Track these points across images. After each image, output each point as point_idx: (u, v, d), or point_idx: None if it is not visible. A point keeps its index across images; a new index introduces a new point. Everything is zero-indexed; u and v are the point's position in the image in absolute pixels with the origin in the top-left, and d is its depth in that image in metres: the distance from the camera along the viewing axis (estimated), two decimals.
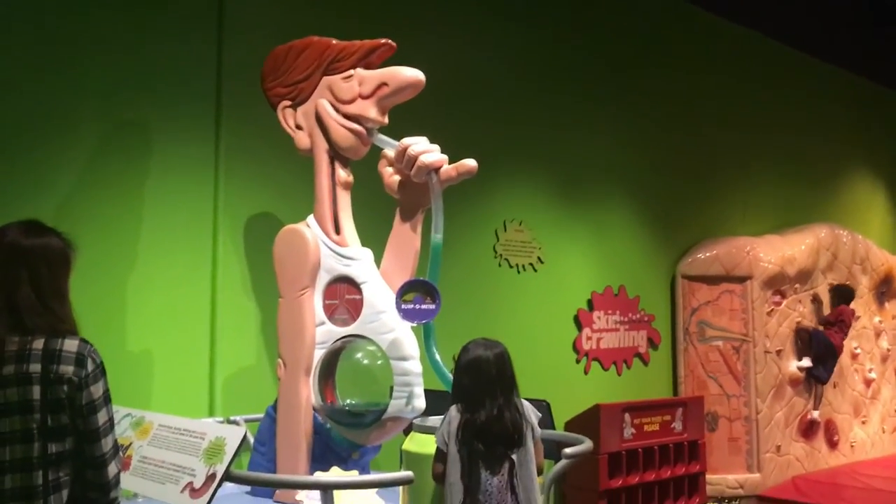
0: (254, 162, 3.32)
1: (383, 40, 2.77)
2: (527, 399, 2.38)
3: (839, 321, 5.51)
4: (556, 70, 4.64)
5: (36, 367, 1.71)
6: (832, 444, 5.61)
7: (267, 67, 2.91)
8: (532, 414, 2.34)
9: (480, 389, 2.26)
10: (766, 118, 6.03)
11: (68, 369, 1.72)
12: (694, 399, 4.82)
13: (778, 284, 5.26)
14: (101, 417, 1.75)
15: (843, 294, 5.62)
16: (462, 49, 4.14)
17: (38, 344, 1.74)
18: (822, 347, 5.39)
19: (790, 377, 5.28)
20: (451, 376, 2.68)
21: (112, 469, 1.77)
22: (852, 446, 5.80)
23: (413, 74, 2.72)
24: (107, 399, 1.78)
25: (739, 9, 5.75)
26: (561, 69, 4.67)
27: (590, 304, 4.74)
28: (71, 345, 1.75)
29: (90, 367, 1.75)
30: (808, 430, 5.40)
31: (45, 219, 1.89)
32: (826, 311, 5.60)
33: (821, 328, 5.48)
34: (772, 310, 5.25)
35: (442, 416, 2.31)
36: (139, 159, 3.07)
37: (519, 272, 4.38)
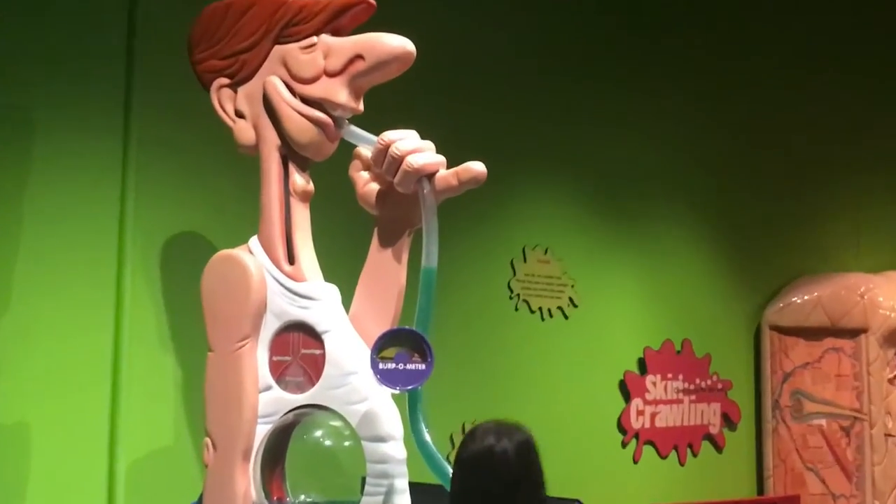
0: (175, 162, 3.33)
1: None
2: (553, 498, 2.34)
3: None
4: (594, 49, 4.70)
5: None
6: None
7: (197, 33, 2.91)
8: None
9: (493, 499, 2.13)
10: (885, 115, 6.02)
11: None
12: (787, 500, 4.79)
13: None
14: None
15: None
16: (466, 15, 4.15)
17: None
18: None
19: None
20: (447, 467, 2.65)
21: None
22: None
23: (399, 44, 2.71)
24: None
25: None
26: (599, 47, 4.73)
27: (641, 364, 4.75)
28: None
29: None
30: None
31: None
32: None
33: None
34: (895, 376, 5.32)
35: None
36: (19, 159, 3.06)
37: (543, 319, 4.39)
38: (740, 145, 5.29)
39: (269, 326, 2.78)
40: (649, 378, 4.78)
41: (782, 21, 5.62)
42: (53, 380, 3.07)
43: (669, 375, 4.87)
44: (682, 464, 4.86)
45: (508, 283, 4.32)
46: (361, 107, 2.84)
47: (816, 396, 5.20)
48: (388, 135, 2.73)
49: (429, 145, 2.76)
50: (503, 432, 2.19)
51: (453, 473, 2.31)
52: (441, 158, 2.74)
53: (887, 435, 5.14)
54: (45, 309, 3.08)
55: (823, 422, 5.17)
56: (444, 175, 2.71)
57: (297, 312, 2.77)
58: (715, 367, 5.05)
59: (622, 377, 4.69)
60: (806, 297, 5.25)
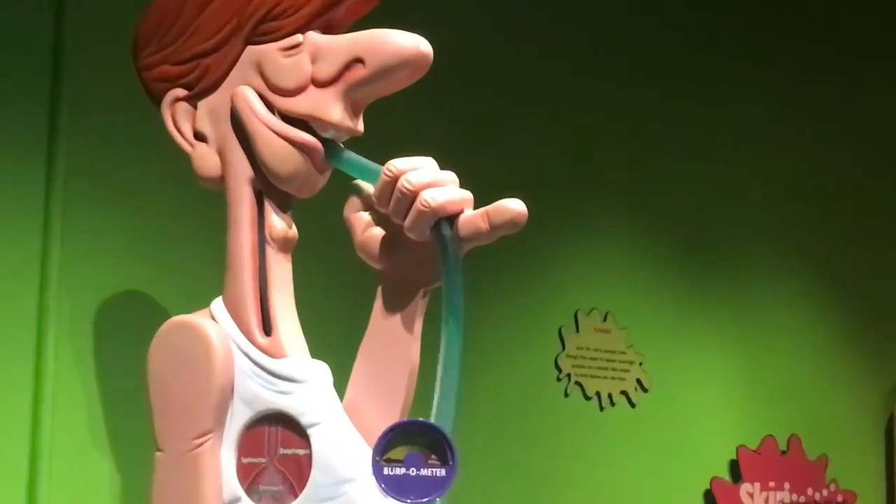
0: (113, 200, 3.25)
1: None
2: None
3: None
4: (667, 58, 4.70)
5: None
6: None
7: (145, 29, 2.82)
8: None
9: None
10: None
11: None
12: None
13: None
14: None
15: None
16: (503, 11, 4.14)
17: None
18: None
19: None
20: None
21: None
22: None
23: (410, 43, 2.62)
24: None
25: None
26: (671, 56, 4.74)
27: (734, 469, 4.72)
28: None
29: None
30: None
31: None
32: None
33: None
34: None
35: None
36: None
37: (602, 407, 4.36)
38: (869, 179, 5.26)
39: (238, 418, 2.68)
40: (744, 487, 4.73)
41: None
42: None
43: (772, 484, 4.83)
44: None
45: (556, 360, 4.27)
46: (361, 127, 2.73)
47: None
48: (397, 163, 2.60)
49: (450, 178, 2.64)
50: None
51: None
52: (466, 195, 2.62)
53: None
54: None
55: None
56: (471, 217, 2.59)
57: (275, 399, 2.66)
58: (833, 474, 5.00)
59: (708, 486, 4.64)
60: None
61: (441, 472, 2.53)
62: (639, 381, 4.53)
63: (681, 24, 4.84)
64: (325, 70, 2.68)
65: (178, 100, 2.80)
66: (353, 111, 2.72)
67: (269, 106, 2.72)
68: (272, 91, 2.72)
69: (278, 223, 2.75)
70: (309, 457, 2.63)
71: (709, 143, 4.87)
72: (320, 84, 2.68)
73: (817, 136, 5.28)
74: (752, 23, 5.09)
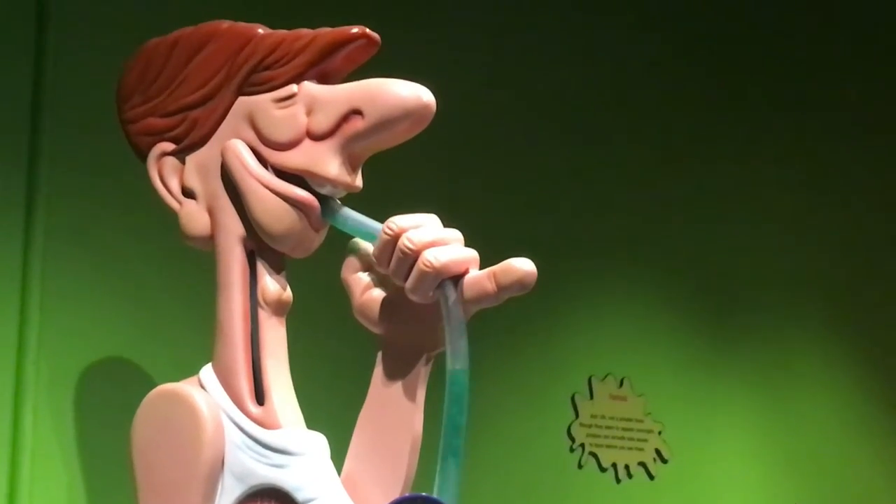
0: (94, 262, 3.23)
1: (356, 28, 2.67)
2: None
3: None
4: (677, 112, 4.70)
5: None
6: None
7: (130, 79, 2.80)
8: None
9: None
10: None
11: None
12: None
13: None
14: None
15: None
16: (511, 56, 4.16)
17: None
18: None
19: None
20: None
21: None
22: None
23: (411, 93, 2.60)
24: None
25: None
26: (683, 110, 4.74)
27: None
28: None
29: None
30: None
31: None
32: None
33: None
34: None
35: None
36: None
37: (619, 480, 4.32)
38: None
39: (229, 493, 2.64)
40: None
41: None
42: None
43: None
44: None
45: (569, 429, 4.23)
46: (359, 182, 2.70)
47: None
48: (398, 221, 2.58)
49: (454, 236, 2.62)
50: None
51: None
52: (471, 254, 2.60)
53: None
54: None
55: None
56: (477, 278, 2.58)
57: (268, 473, 2.63)
58: None
59: None
60: None
61: None
62: (658, 451, 4.49)
63: (696, 77, 4.85)
64: (322, 122, 2.65)
65: (164, 154, 2.76)
66: (352, 165, 2.68)
67: (262, 160, 2.69)
68: (265, 144, 2.68)
69: (272, 285, 2.71)
70: None
71: (730, 202, 4.86)
72: (316, 137, 2.66)
73: (852, 189, 5.28)
74: (775, 75, 5.10)
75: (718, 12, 4.95)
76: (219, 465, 2.65)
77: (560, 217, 4.18)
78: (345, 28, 2.72)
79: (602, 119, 4.44)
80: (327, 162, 2.67)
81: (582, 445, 4.23)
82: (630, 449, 4.35)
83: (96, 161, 2.96)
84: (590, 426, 4.26)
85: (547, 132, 4.25)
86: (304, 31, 2.73)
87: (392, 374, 2.75)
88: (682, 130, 4.68)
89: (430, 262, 2.55)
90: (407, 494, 2.61)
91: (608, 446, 4.30)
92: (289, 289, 2.75)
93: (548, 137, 4.25)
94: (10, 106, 3.22)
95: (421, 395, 2.72)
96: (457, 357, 2.58)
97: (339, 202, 2.72)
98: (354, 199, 2.72)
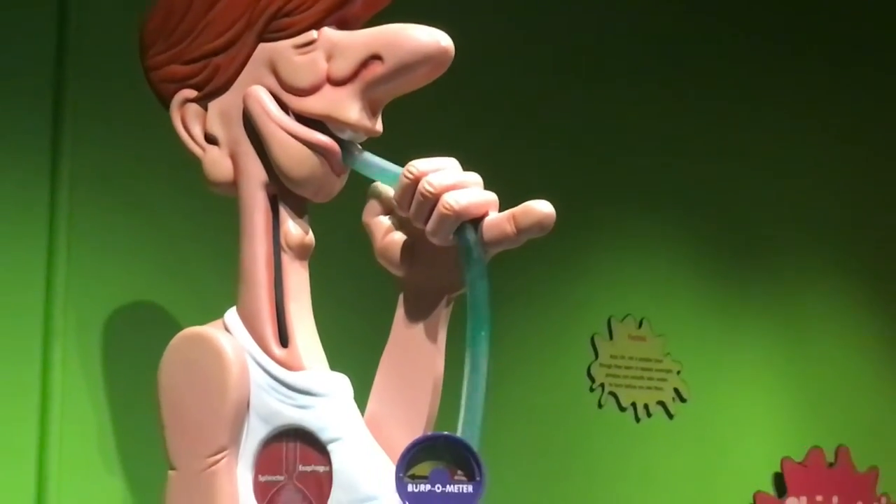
0: (120, 208, 3.25)
1: None
2: None
3: None
4: (697, 59, 4.73)
5: None
6: None
7: (151, 28, 2.80)
8: None
9: None
10: None
11: None
12: None
13: None
14: None
15: None
16: (522, 14, 4.16)
17: None
18: None
19: None
20: None
21: None
22: None
23: (430, 38, 2.59)
24: None
25: None
26: (703, 58, 4.77)
27: (779, 482, 4.73)
28: None
29: None
30: None
31: None
32: None
33: None
34: None
35: None
36: None
37: (638, 419, 4.37)
38: None
39: (254, 434, 2.67)
40: (790, 501, 4.74)
41: None
42: None
43: (819, 498, 4.82)
44: None
45: (589, 370, 4.26)
46: (380, 127, 2.70)
47: None
48: (418, 164, 2.57)
49: (474, 179, 2.61)
50: None
51: None
52: (491, 197, 2.59)
53: None
54: None
55: None
56: (496, 220, 2.57)
57: (293, 414, 2.65)
58: (885, 487, 4.98)
59: (751, 501, 4.66)
60: None
61: (468, 488, 2.52)
62: (676, 390, 4.51)
63: (711, 26, 4.83)
64: (342, 68, 2.64)
65: (187, 101, 2.77)
66: (371, 110, 2.69)
67: (284, 106, 2.69)
68: (286, 90, 2.69)
69: (294, 229, 2.72)
70: (329, 474, 2.61)
71: (748, 143, 4.85)
72: (336, 82, 2.65)
73: (868, 140, 5.26)
74: (786, 22, 5.08)
75: None
76: (244, 407, 2.68)
77: (579, 160, 4.19)
78: None
79: (620, 72, 4.42)
80: (347, 107, 2.67)
81: (602, 385, 4.26)
82: (649, 388, 4.39)
83: (120, 107, 2.95)
84: (609, 366, 4.29)
85: (565, 76, 4.24)
86: None
87: (413, 316, 2.75)
88: (697, 85, 4.66)
89: (450, 204, 2.55)
90: (429, 433, 2.63)
91: (627, 386, 4.34)
92: (311, 233, 2.76)
93: (567, 81, 4.24)
94: (34, 53, 3.25)
95: (442, 336, 2.73)
96: (476, 298, 2.62)
97: (359, 147, 2.72)
98: (375, 144, 2.73)
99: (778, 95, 4.99)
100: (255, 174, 2.72)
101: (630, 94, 4.47)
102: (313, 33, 2.69)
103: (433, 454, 2.55)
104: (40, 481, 3.13)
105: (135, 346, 3.12)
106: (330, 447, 2.63)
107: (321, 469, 2.65)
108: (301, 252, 2.74)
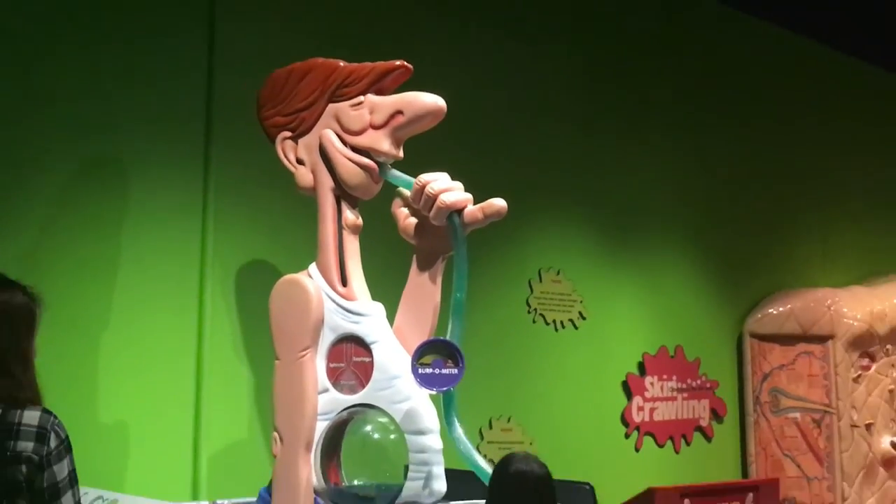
0: (247, 203, 3.36)
1: (398, 62, 2.79)
2: (567, 481, 2.36)
3: None
4: (595, 104, 4.66)
5: None
6: None
7: (264, 94, 2.92)
8: None
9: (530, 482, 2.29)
10: (848, 150, 6.00)
11: (27, 446, 1.73)
12: (767, 482, 4.69)
13: (866, 345, 5.18)
14: (66, 502, 1.75)
15: None
16: (486, 77, 4.17)
17: None
18: None
19: (883, 456, 5.18)
20: (476, 455, 2.66)
21: None
22: None
23: (432, 101, 2.73)
24: (73, 480, 1.78)
25: (809, 23, 5.71)
26: (605, 99, 4.70)
27: (641, 367, 4.71)
28: (31, 417, 1.76)
29: (53, 442, 1.76)
30: None
31: (7, 271, 1.92)
32: None
33: None
34: (859, 375, 5.16)
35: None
36: (116, 204, 3.11)
37: (557, 329, 4.36)
38: (725, 185, 5.22)
39: (326, 338, 2.77)
40: (648, 379, 4.73)
41: (760, 82, 5.54)
42: (147, 383, 3.08)
43: (665, 376, 4.80)
44: (676, 452, 4.80)
45: (527, 300, 4.28)
46: (402, 153, 2.83)
47: (791, 393, 5.12)
48: (424, 177, 2.73)
49: (458, 185, 2.76)
50: (532, 460, 2.38)
51: (490, 490, 2.39)
52: (469, 196, 2.73)
53: (853, 426, 5.06)
54: (141, 325, 3.10)
55: (798, 415, 5.09)
56: (472, 210, 2.71)
57: (350, 326, 2.76)
58: (704, 369, 4.99)
59: (625, 378, 4.64)
60: (781, 309, 5.19)
61: (454, 371, 2.66)
62: (580, 312, 4.52)
63: (616, 78, 4.77)
64: (378, 118, 2.80)
65: (285, 139, 2.91)
66: (396, 144, 2.84)
67: (343, 141, 2.83)
68: (345, 132, 2.83)
69: (350, 216, 2.86)
70: (371, 363, 2.75)
71: (626, 167, 4.68)
72: (375, 127, 2.80)
73: (690, 163, 5.01)
74: (649, 92, 4.99)
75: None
76: (320, 322, 2.82)
77: (523, 171, 4.21)
78: (391, 62, 2.86)
79: (551, 119, 4.42)
80: (382, 142, 2.82)
81: (535, 309, 4.33)
82: (563, 311, 4.44)
83: (253, 141, 3.03)
84: (539, 298, 4.35)
85: (516, 124, 4.27)
86: (368, 63, 2.88)
87: (422, 268, 2.89)
88: (604, 126, 4.66)
89: (444, 201, 2.72)
90: (431, 338, 2.78)
91: (551, 310, 4.39)
92: (360, 217, 2.91)
93: (516, 127, 4.27)
94: (192, 101, 3.33)
95: (439, 280, 2.89)
96: (459, 257, 2.73)
97: (389, 166, 2.89)
98: (399, 164, 2.90)
99: (650, 131, 4.93)
100: (326, 183, 2.87)
101: (555, 135, 4.48)
102: (361, 98, 2.85)
103: (434, 351, 2.69)
104: (199, 363, 3.24)
105: (255, 287, 3.17)
106: (372, 346, 2.78)
107: (367, 359, 2.77)
108: (354, 230, 2.89)
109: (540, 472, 2.34)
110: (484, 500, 2.39)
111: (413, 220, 2.85)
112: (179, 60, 3.29)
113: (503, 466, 2.37)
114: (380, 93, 2.82)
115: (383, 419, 2.69)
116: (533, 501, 2.32)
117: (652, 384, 4.75)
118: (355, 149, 2.79)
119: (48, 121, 2.99)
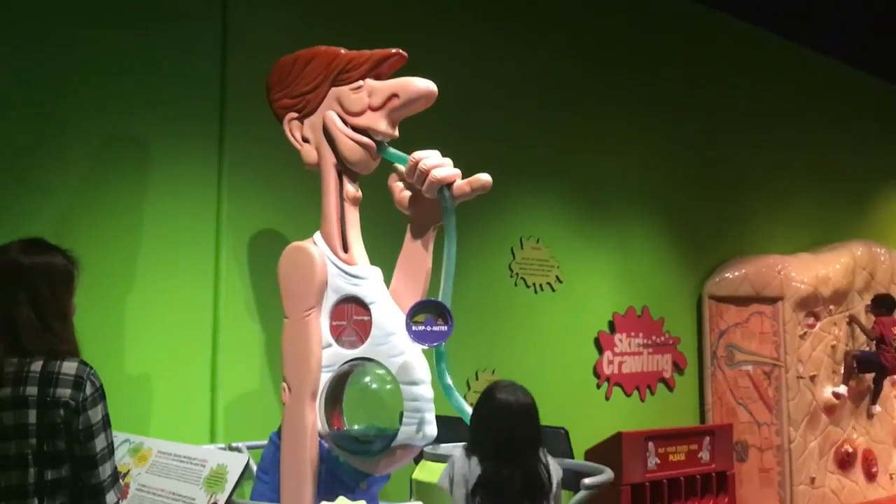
0: (258, 177, 3.35)
1: (394, 50, 2.77)
2: (545, 426, 2.38)
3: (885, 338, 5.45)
4: (573, 86, 4.67)
5: (32, 391, 1.74)
6: (870, 476, 5.56)
7: (273, 78, 2.91)
8: (556, 473, 2.32)
9: (507, 440, 2.23)
10: (797, 131, 6.05)
11: (66, 392, 1.75)
12: (722, 427, 4.81)
13: (811, 306, 5.25)
14: (100, 443, 1.77)
15: (885, 303, 5.52)
16: (473, 65, 4.18)
17: (37, 366, 1.77)
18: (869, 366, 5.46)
19: (825, 404, 5.27)
20: (463, 403, 2.70)
21: (111, 498, 1.79)
22: (892, 477, 5.75)
23: (425, 85, 2.72)
24: (106, 424, 1.80)
25: (766, 16, 5.74)
26: (577, 85, 4.70)
27: (611, 325, 4.74)
28: (69, 367, 1.77)
29: (89, 390, 1.77)
30: (844, 460, 5.37)
31: (46, 236, 1.90)
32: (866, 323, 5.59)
33: (867, 349, 5.49)
34: (805, 333, 5.23)
35: (455, 445, 2.30)
36: (139, 176, 3.11)
37: (536, 292, 4.38)
38: (687, 161, 5.26)
39: (329, 299, 2.78)
40: (617, 336, 4.75)
41: (732, 59, 5.60)
42: (169, 338, 3.10)
43: (633, 334, 4.83)
44: (642, 400, 4.85)
45: (509, 265, 4.29)
46: (397, 133, 2.83)
47: (745, 349, 5.17)
48: (417, 154, 2.73)
49: (448, 161, 2.76)
50: (515, 389, 2.35)
51: (473, 418, 2.36)
52: (458, 171, 2.73)
53: (798, 377, 5.12)
54: (163, 286, 3.11)
55: (750, 368, 5.15)
56: (460, 184, 2.71)
57: (351, 288, 2.76)
58: (667, 327, 5.02)
59: (596, 335, 4.66)
60: (736, 274, 5.23)
61: (444, 328, 2.67)
62: (557, 276, 4.55)
63: (591, 62, 4.73)
64: (376, 101, 2.79)
65: (292, 119, 2.90)
66: (392, 124, 2.83)
67: (345, 122, 2.82)
68: (346, 113, 2.82)
69: (351, 189, 2.86)
70: (370, 321, 2.76)
71: (599, 144, 4.74)
72: (373, 109, 2.80)
73: (656, 140, 5.04)
74: (623, 75, 4.95)
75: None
76: (324, 284, 2.83)
77: (506, 151, 4.23)
78: (388, 50, 2.85)
79: (533, 101, 4.43)
80: (380, 122, 2.81)
81: (517, 274, 4.35)
82: (542, 275, 4.46)
83: (263, 120, 3.03)
84: (521, 263, 4.37)
85: (500, 105, 4.28)
86: (367, 51, 2.87)
87: (415, 236, 2.90)
88: (578, 107, 4.64)
89: (435, 176, 2.73)
90: (424, 299, 2.78)
91: (531, 274, 4.41)
92: (360, 191, 2.92)
93: (500, 107, 4.28)
94: (207, 85, 3.30)
95: (430, 247, 2.90)
96: (448, 227, 2.73)
97: (386, 144, 2.88)
98: (394, 142, 2.90)
99: (615, 116, 4.89)
100: (329, 159, 2.87)
101: (536, 115, 4.48)
102: (361, 82, 2.83)
103: (426, 310, 2.71)
104: (215, 321, 3.25)
105: (265, 253, 3.22)
106: (371, 306, 2.79)
107: (366, 318, 2.79)
108: (354, 202, 2.90)
109: (524, 401, 2.26)
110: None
111: (407, 193, 2.84)
112: (196, 45, 3.27)
113: (488, 397, 2.26)
114: (378, 78, 2.81)
115: (381, 371, 2.70)
116: (519, 431, 2.20)
117: (621, 340, 4.79)
118: (355, 128, 2.77)
119: (80, 100, 2.98)
